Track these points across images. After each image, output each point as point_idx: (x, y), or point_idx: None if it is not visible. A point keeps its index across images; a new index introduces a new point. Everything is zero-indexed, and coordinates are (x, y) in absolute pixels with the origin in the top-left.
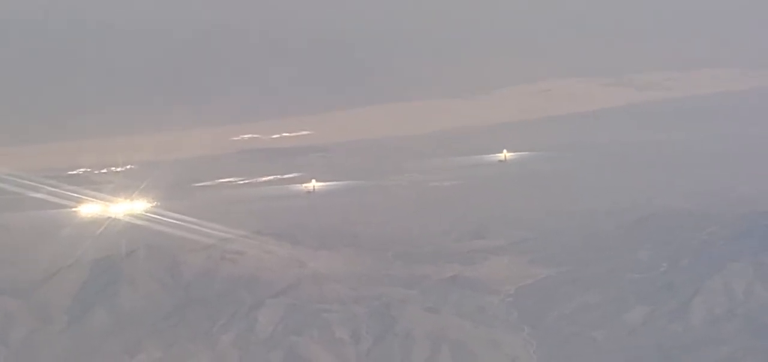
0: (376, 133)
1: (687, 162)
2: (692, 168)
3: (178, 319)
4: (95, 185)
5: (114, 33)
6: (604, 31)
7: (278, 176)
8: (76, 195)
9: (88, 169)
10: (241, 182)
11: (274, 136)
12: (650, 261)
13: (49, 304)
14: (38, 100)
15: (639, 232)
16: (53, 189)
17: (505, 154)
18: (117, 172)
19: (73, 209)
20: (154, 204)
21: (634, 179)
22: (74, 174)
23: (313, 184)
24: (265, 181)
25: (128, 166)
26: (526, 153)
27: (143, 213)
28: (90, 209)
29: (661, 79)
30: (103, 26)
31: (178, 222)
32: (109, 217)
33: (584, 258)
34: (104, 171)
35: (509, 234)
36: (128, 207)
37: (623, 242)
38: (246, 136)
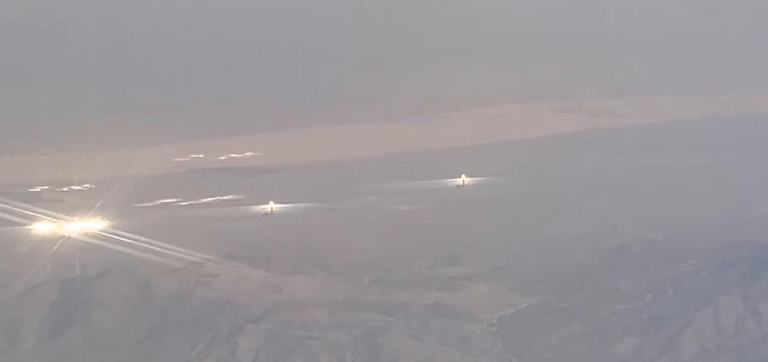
0: (325, 155)
1: (646, 190)
2: (652, 196)
3: (154, 343)
4: (48, 203)
5: (62, 44)
6: (554, 57)
7: (234, 197)
8: (30, 213)
9: (44, 187)
10: (196, 202)
11: (222, 157)
12: (632, 291)
13: (19, 324)
14: None
15: (615, 261)
16: (7, 206)
17: (463, 179)
18: (67, 191)
19: (26, 227)
20: (110, 223)
21: (597, 207)
22: (27, 191)
23: (271, 206)
24: (220, 202)
25: (84, 185)
26: (484, 178)
27: (100, 233)
28: (43, 227)
29: (611, 106)
30: (52, 37)
31: (139, 243)
32: (63, 236)
33: (563, 287)
34: (57, 189)
35: (484, 261)
36: (83, 227)
37: (601, 271)
38: (195, 155)
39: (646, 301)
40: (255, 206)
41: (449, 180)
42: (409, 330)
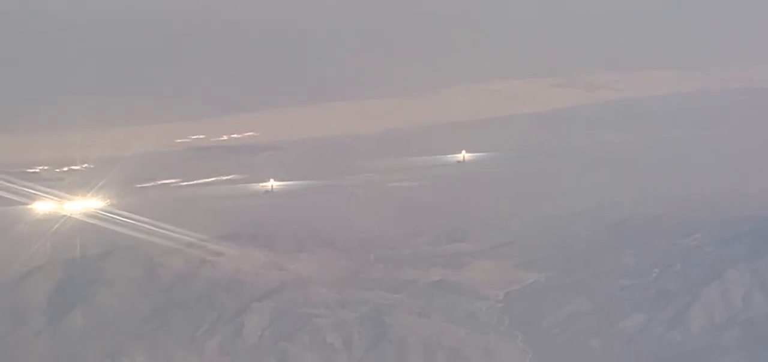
0: (323, 132)
1: (647, 164)
2: (653, 170)
3: (160, 323)
4: (48, 182)
5: (62, 24)
6: (552, 31)
7: (233, 175)
8: (30, 192)
9: (43, 167)
10: (196, 182)
11: (222, 137)
12: (638, 266)
13: (25, 305)
14: None
15: (619, 236)
16: (9, 185)
17: (463, 155)
18: (67, 170)
19: (27, 206)
20: (111, 203)
21: (598, 181)
22: (26, 171)
23: (272, 184)
24: (220, 181)
25: (83, 165)
26: (484, 154)
27: (101, 212)
28: (44, 207)
29: (610, 80)
30: (52, 17)
31: (140, 222)
32: (64, 216)
33: (569, 263)
34: (57, 169)
35: (488, 237)
36: (84, 206)
37: (605, 246)
38: (194, 134)
39: (652, 276)
40: (255, 184)
41: (449, 156)
42: (415, 307)
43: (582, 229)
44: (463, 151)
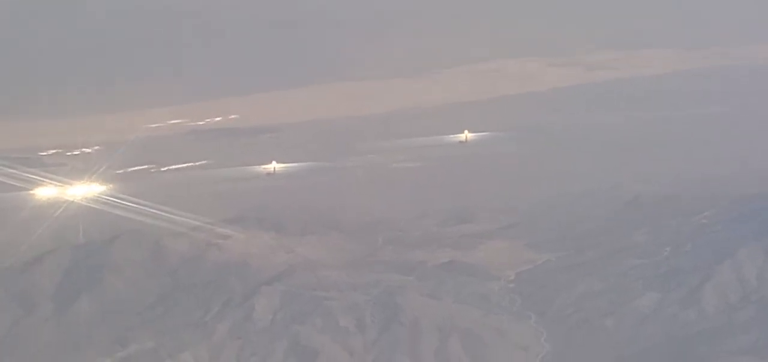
0: (323, 113)
1: (650, 143)
2: (659, 149)
3: (168, 307)
4: (50, 168)
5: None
6: (551, 11)
7: (235, 157)
8: (33, 177)
9: (47, 152)
10: (197, 164)
11: (218, 118)
12: (650, 245)
13: (33, 292)
14: None
15: (628, 216)
16: (12, 171)
17: (466, 135)
18: (69, 155)
19: (28, 192)
20: (113, 187)
21: (603, 161)
22: (27, 156)
23: (274, 166)
24: (221, 163)
25: (84, 149)
26: (487, 134)
27: (104, 197)
28: (47, 192)
29: (609, 59)
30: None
31: (144, 207)
32: (67, 201)
33: (580, 243)
34: (53, 153)
35: (496, 218)
36: (87, 191)
37: (615, 226)
38: (193, 117)
39: (664, 255)
40: (257, 166)
41: (451, 136)
42: (426, 289)
43: (591, 209)
44: (466, 132)
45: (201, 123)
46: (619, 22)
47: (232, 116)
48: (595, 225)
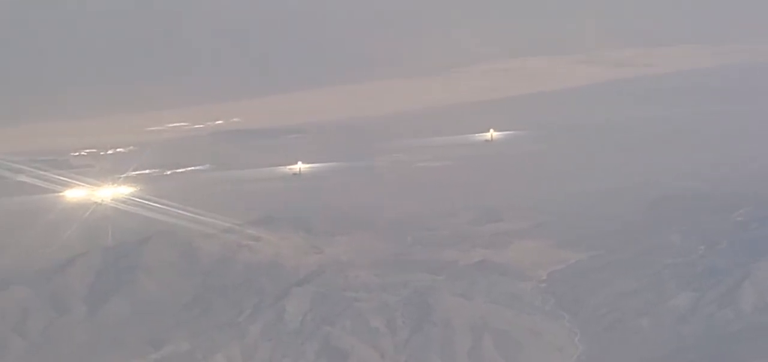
0: (347, 113)
1: (682, 139)
2: (689, 145)
3: (201, 309)
4: (77, 169)
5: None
6: (574, 9)
7: (260, 158)
8: (61, 178)
9: (73, 153)
10: (223, 165)
11: (247, 119)
12: (684, 244)
13: (65, 293)
14: (16, 81)
15: (661, 214)
16: (42, 173)
17: (491, 134)
18: (96, 156)
19: (59, 194)
20: (141, 188)
21: (634, 158)
22: (55, 159)
23: (300, 167)
24: (247, 164)
25: (109, 151)
26: (513, 132)
27: (132, 198)
28: (75, 194)
29: (633, 56)
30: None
31: (173, 208)
32: (96, 203)
33: (612, 242)
34: (83, 154)
35: (527, 216)
36: (115, 193)
37: (648, 224)
38: (217, 118)
39: (698, 253)
40: (282, 167)
41: (477, 135)
42: (457, 289)
43: (622, 207)
44: (491, 130)
45: (223, 124)
46: (643, 19)
47: (257, 118)
48: (626, 223)
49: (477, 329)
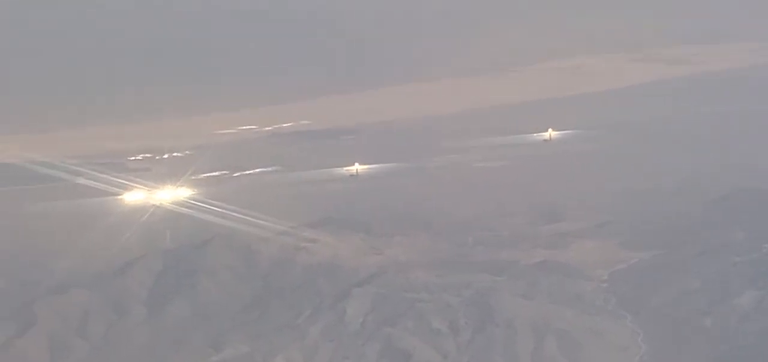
0: (403, 114)
1: (741, 137)
2: (748, 143)
3: (261, 311)
4: (135, 172)
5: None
6: (628, 7)
7: (316, 160)
8: (120, 181)
9: (133, 157)
10: (279, 168)
11: (302, 121)
12: (748, 242)
13: (126, 296)
14: (76, 84)
15: (724, 212)
16: (100, 175)
17: (549, 133)
18: (154, 160)
19: (118, 197)
20: (199, 191)
21: (693, 156)
22: (113, 161)
23: (357, 168)
24: (303, 165)
25: (165, 155)
26: (571, 131)
27: (191, 201)
28: (134, 197)
29: (688, 54)
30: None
31: (231, 211)
32: (153, 206)
33: (674, 240)
34: (140, 157)
35: (587, 216)
36: (172, 195)
37: (710, 222)
38: (274, 121)
39: (763, 251)
40: (338, 169)
41: (535, 134)
42: (519, 289)
43: (683, 205)
44: (550, 129)
45: (279, 126)
46: (698, 16)
47: (311, 120)
48: (688, 222)
49: (539, 330)
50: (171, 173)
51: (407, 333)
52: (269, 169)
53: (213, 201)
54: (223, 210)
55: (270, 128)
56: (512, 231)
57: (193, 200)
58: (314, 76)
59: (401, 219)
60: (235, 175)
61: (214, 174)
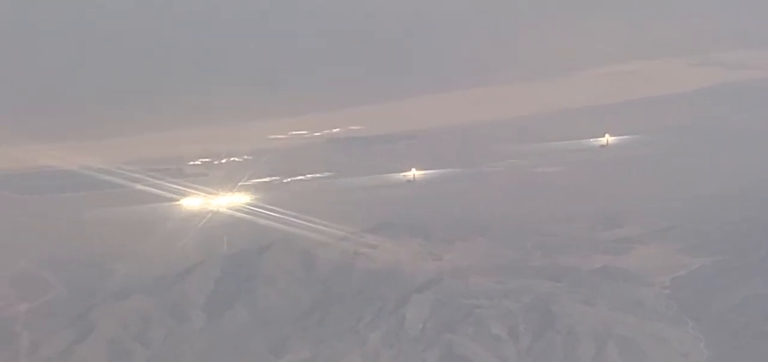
0: (458, 119)
1: None
2: None
3: (321, 316)
4: (192, 177)
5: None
6: (684, 10)
7: (373, 166)
8: (178, 187)
9: (189, 162)
10: (336, 173)
11: (359, 126)
12: None
13: (185, 302)
14: (132, 90)
15: None
16: (158, 181)
17: (607, 138)
18: (209, 165)
19: (176, 202)
20: (256, 197)
21: (755, 160)
22: (171, 167)
23: (414, 173)
24: (360, 171)
25: (223, 160)
26: (628, 136)
27: (248, 207)
28: (192, 202)
29: (749, 58)
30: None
31: (289, 216)
32: (211, 211)
33: (738, 246)
34: (198, 163)
35: (647, 221)
36: (229, 201)
37: None
38: (329, 126)
39: None
40: (396, 174)
41: (592, 139)
42: (579, 295)
43: (745, 210)
44: (607, 135)
45: (329, 131)
46: (755, 20)
47: (369, 125)
48: (751, 226)
49: (600, 336)
50: (228, 178)
51: (467, 339)
52: (323, 174)
53: (270, 207)
54: (281, 216)
55: (320, 133)
56: (571, 236)
57: (251, 205)
58: (369, 81)
59: (459, 224)
60: (288, 180)
61: (268, 179)
